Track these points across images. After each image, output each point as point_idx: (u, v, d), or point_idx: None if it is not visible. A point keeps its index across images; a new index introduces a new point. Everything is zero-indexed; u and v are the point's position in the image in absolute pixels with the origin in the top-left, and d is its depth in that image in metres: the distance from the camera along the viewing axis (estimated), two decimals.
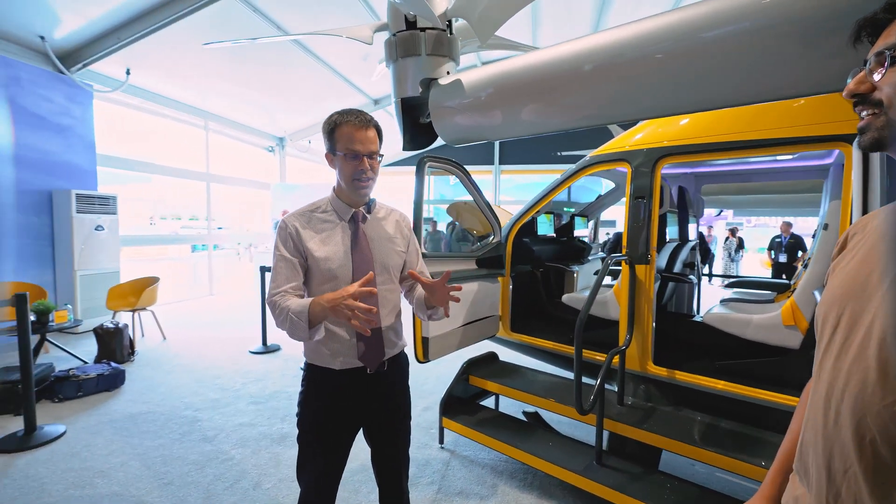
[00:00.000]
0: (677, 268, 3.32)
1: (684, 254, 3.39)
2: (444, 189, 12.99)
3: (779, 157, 3.10)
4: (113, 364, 3.56)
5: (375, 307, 1.26)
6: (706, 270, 10.06)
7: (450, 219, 5.21)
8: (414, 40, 1.88)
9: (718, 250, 10.05)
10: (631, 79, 1.42)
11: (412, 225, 2.41)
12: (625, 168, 2.54)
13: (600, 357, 2.44)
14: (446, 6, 1.82)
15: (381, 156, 1.35)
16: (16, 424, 2.79)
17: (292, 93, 8.11)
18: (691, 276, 3.20)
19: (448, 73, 1.94)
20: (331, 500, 1.40)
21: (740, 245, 9.57)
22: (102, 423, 2.92)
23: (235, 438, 2.75)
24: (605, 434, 2.28)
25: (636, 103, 1.50)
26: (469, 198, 2.98)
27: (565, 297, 3.05)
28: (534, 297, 3.65)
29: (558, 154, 7.83)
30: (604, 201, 4.19)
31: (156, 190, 7.48)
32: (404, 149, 2.16)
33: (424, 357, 2.44)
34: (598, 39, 1.46)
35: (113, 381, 3.44)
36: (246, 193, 9.56)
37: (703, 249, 4.35)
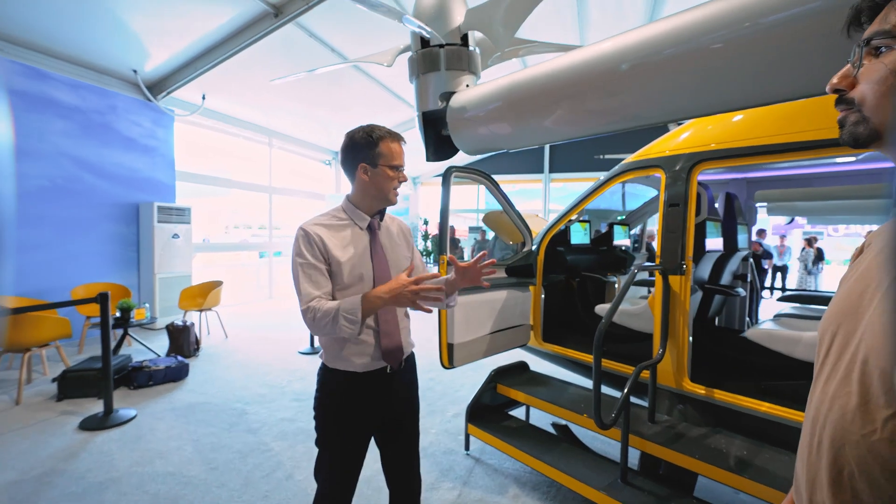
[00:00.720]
0: (725, 279, 3.10)
1: (733, 265, 3.16)
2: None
3: (840, 160, 2.81)
4: (179, 358, 3.96)
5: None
6: (776, 283, 9.20)
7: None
8: (433, 57, 1.97)
9: (794, 262, 9.12)
10: (665, 76, 1.37)
11: (438, 232, 2.51)
12: (659, 175, 2.45)
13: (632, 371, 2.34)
14: (460, 21, 1.90)
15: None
16: (98, 406, 3.19)
17: (347, 109, 8.58)
18: (739, 289, 2.97)
19: (467, 86, 2.01)
20: (348, 496, 1.44)
21: (819, 257, 8.61)
22: (166, 410, 3.26)
23: (276, 432, 2.96)
24: (637, 454, 2.18)
25: (674, 103, 1.45)
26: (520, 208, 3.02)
27: (598, 308, 2.96)
28: (568, 308, 3.56)
29: (601, 157, 7.54)
30: (646, 209, 4.01)
31: (231, 202, 8.23)
32: (428, 160, 2.25)
33: (449, 363, 2.49)
34: (594, 50, 1.46)
35: (178, 373, 3.83)
36: (304, 204, 10.18)
37: (760, 260, 4.00)
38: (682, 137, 2.40)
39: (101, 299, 3.02)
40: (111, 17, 4.70)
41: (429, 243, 9.19)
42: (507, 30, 1.68)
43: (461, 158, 11.82)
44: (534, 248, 3.12)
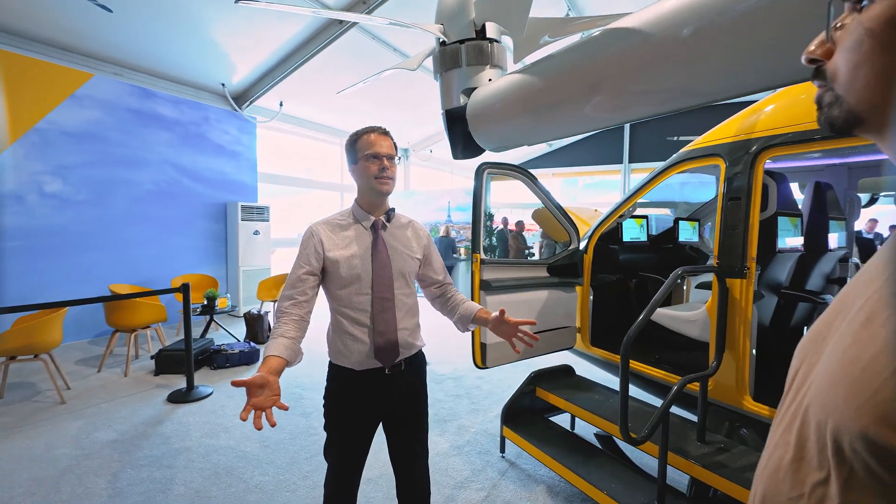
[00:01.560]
0: (813, 284, 2.66)
1: (825, 266, 2.70)
2: (576, 193, 12.51)
3: None
4: (252, 343, 4.39)
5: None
6: None
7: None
8: (454, 53, 1.93)
9: None
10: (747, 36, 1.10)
11: (471, 230, 2.48)
12: (719, 164, 2.17)
13: (691, 387, 2.12)
14: (472, 15, 1.83)
15: (399, 160, 1.49)
16: (184, 382, 3.66)
17: (415, 107, 8.77)
18: (827, 296, 2.52)
19: (490, 80, 1.94)
20: (353, 479, 1.50)
21: None
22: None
23: None
24: (685, 478, 1.98)
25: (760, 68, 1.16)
26: (579, 205, 2.88)
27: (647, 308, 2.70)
28: (622, 310, 3.31)
29: (676, 139, 6.78)
30: (716, 204, 3.55)
31: (307, 200, 8.92)
32: (455, 158, 2.22)
33: (483, 363, 2.45)
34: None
35: (250, 357, 4.25)
36: None
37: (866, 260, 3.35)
38: (745, 121, 2.10)
39: (184, 289, 3.45)
40: (205, 39, 5.30)
41: (494, 239, 9.10)
42: (518, 14, 1.58)
43: (497, 154, 11.41)
44: (581, 245, 2.95)
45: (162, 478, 2.39)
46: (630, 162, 11.37)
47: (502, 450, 2.69)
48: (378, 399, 1.46)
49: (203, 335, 4.83)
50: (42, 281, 4.66)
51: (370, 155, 1.39)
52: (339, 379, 1.46)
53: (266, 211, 6.60)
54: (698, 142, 2.33)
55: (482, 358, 2.45)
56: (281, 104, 7.06)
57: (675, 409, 2.51)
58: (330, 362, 1.49)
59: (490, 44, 1.91)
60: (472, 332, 2.45)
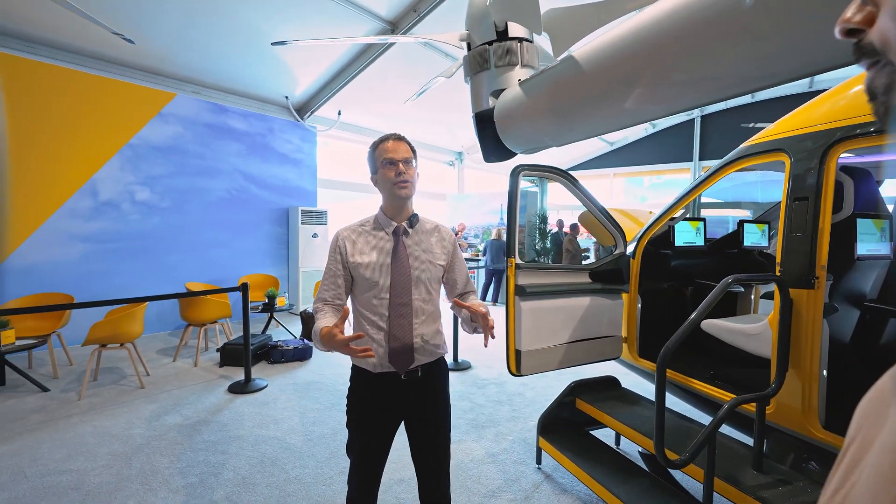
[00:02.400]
0: None
1: None
2: (643, 193, 11.86)
3: None
4: (305, 341, 4.63)
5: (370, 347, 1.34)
6: None
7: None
8: (483, 55, 1.91)
9: None
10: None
11: (507, 233, 2.43)
12: (783, 160, 1.94)
13: (749, 408, 1.91)
14: (493, 16, 1.79)
15: (415, 164, 1.49)
16: (243, 375, 3.94)
17: (468, 109, 8.77)
18: None
19: (519, 80, 1.89)
20: (373, 476, 1.52)
21: None
22: (288, 385, 3.86)
23: None
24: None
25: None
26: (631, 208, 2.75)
27: (705, 324, 2.47)
28: (676, 320, 3.06)
29: (752, 126, 6.07)
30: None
31: (364, 205, 9.27)
32: (487, 161, 2.18)
33: (517, 370, 2.39)
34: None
35: (303, 354, 4.48)
36: (427, 204, 10.78)
37: None
38: (814, 111, 1.86)
39: (243, 289, 3.72)
40: (271, 56, 5.71)
41: (548, 242, 8.84)
42: (530, 8, 1.51)
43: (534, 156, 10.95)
44: (629, 250, 2.78)
45: (215, 462, 2.59)
46: (701, 159, 10.52)
47: (538, 461, 2.60)
48: (395, 403, 1.47)
49: (264, 331, 5.18)
50: (132, 278, 5.27)
51: (386, 161, 1.42)
52: (358, 379, 1.49)
53: (324, 215, 6.95)
54: (761, 135, 2.11)
55: (517, 365, 2.39)
56: (339, 113, 7.41)
57: (733, 433, 2.28)
58: (352, 363, 1.53)
59: (519, 43, 1.86)
60: (507, 339, 2.40)
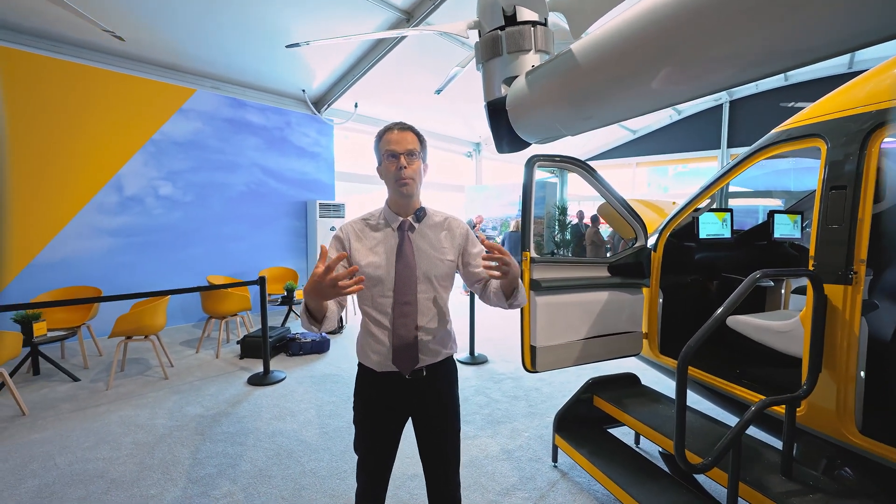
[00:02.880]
0: None
1: None
2: (667, 183, 11.51)
3: None
4: (324, 334, 4.66)
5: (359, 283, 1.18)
6: None
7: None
8: (494, 41, 1.83)
9: None
10: None
11: (521, 226, 2.36)
12: (819, 146, 1.81)
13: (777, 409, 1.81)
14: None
15: (421, 156, 1.38)
16: (260, 367, 4.01)
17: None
18: None
19: (533, 66, 1.80)
20: (381, 473, 1.49)
21: None
22: (305, 377, 3.90)
23: None
24: None
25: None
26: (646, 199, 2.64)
27: (731, 320, 2.36)
28: (700, 315, 2.93)
29: (791, 105, 5.72)
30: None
31: (381, 197, 9.31)
32: (500, 152, 2.11)
33: (532, 367, 2.33)
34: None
35: (321, 347, 4.52)
36: (445, 196, 10.72)
37: None
38: (854, 92, 1.72)
39: (261, 282, 3.77)
40: (286, 49, 5.71)
41: (568, 233, 8.67)
42: None
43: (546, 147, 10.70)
44: (650, 243, 2.67)
45: (233, 453, 2.63)
46: (730, 146, 10.11)
47: (555, 459, 2.55)
48: (400, 402, 1.44)
49: (283, 324, 5.26)
50: (157, 271, 5.41)
51: (388, 153, 1.34)
52: (364, 377, 1.46)
53: (342, 208, 6.98)
54: (793, 120, 1.97)
55: (532, 361, 2.33)
56: (356, 105, 7.40)
57: (761, 435, 2.18)
58: (358, 361, 1.50)
59: (532, 27, 1.77)
60: (522, 334, 2.34)
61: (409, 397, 1.42)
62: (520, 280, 1.36)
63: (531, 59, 1.80)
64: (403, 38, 5.85)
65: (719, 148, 10.17)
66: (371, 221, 1.45)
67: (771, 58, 1.05)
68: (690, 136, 10.52)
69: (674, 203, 3.64)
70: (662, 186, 11.56)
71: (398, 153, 1.33)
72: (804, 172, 8.79)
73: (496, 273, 1.26)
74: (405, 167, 1.33)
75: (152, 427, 2.96)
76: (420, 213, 1.44)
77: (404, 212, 1.42)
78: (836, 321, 1.70)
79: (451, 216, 1.53)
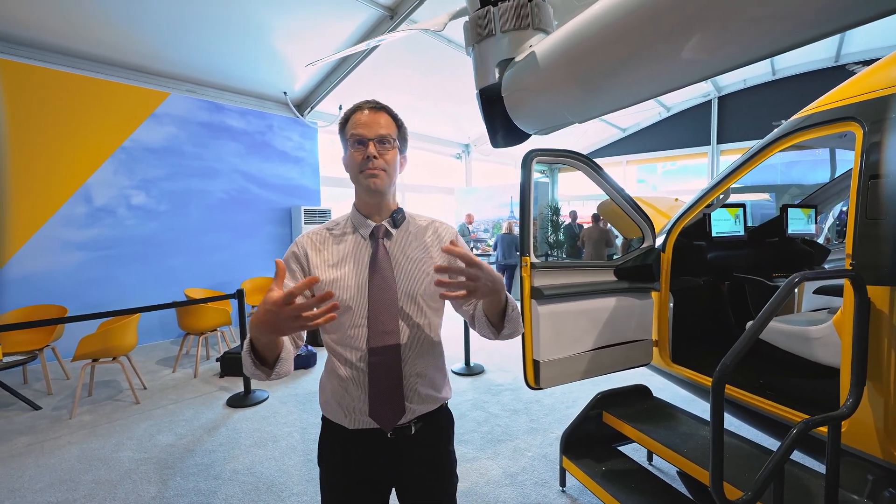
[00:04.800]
0: None
1: None
2: (655, 181, 11.41)
3: None
4: (309, 347, 4.40)
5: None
6: None
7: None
8: (486, 19, 1.61)
9: None
10: None
11: (519, 227, 2.13)
12: (853, 131, 1.62)
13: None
14: None
15: (397, 145, 1.10)
16: (241, 386, 3.73)
17: (475, 100, 8.47)
18: None
19: (530, 47, 1.59)
20: None
21: None
22: (289, 396, 3.63)
23: None
24: None
25: None
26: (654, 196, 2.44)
27: (750, 325, 2.16)
28: (714, 320, 2.74)
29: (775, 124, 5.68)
30: (837, 187, 2.80)
31: None
32: (495, 146, 1.89)
33: (536, 383, 2.11)
34: None
35: (307, 361, 4.26)
36: (435, 199, 10.48)
37: None
38: (890, 69, 1.52)
39: (238, 295, 3.50)
40: (267, 49, 5.47)
41: (561, 234, 8.47)
42: None
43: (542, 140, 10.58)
44: (658, 243, 2.46)
45: (206, 490, 2.36)
46: (719, 143, 10.05)
47: (562, 483, 2.32)
48: (379, 471, 1.09)
49: None
50: (131, 285, 5.09)
51: (355, 139, 1.05)
52: (330, 436, 1.11)
53: (328, 214, 6.71)
54: (821, 102, 1.77)
55: (535, 377, 2.11)
56: (340, 107, 7.14)
57: (804, 459, 1.97)
58: (322, 415, 1.14)
59: (529, 2, 1.56)
60: (524, 348, 2.11)
61: (393, 463, 1.09)
62: (509, 296, 1.04)
63: (530, 39, 1.59)
64: (381, 41, 5.63)
65: (709, 144, 10.11)
66: (335, 231, 1.13)
67: (818, 17, 0.84)
68: (680, 133, 10.44)
69: (676, 200, 3.45)
70: (651, 185, 11.47)
71: (367, 139, 1.04)
72: (790, 167, 8.77)
73: (457, 292, 0.90)
74: (375, 156, 1.04)
75: (116, 461, 2.67)
76: (397, 216, 1.14)
77: (377, 215, 1.12)
78: (881, 326, 1.50)
79: (438, 220, 1.23)
